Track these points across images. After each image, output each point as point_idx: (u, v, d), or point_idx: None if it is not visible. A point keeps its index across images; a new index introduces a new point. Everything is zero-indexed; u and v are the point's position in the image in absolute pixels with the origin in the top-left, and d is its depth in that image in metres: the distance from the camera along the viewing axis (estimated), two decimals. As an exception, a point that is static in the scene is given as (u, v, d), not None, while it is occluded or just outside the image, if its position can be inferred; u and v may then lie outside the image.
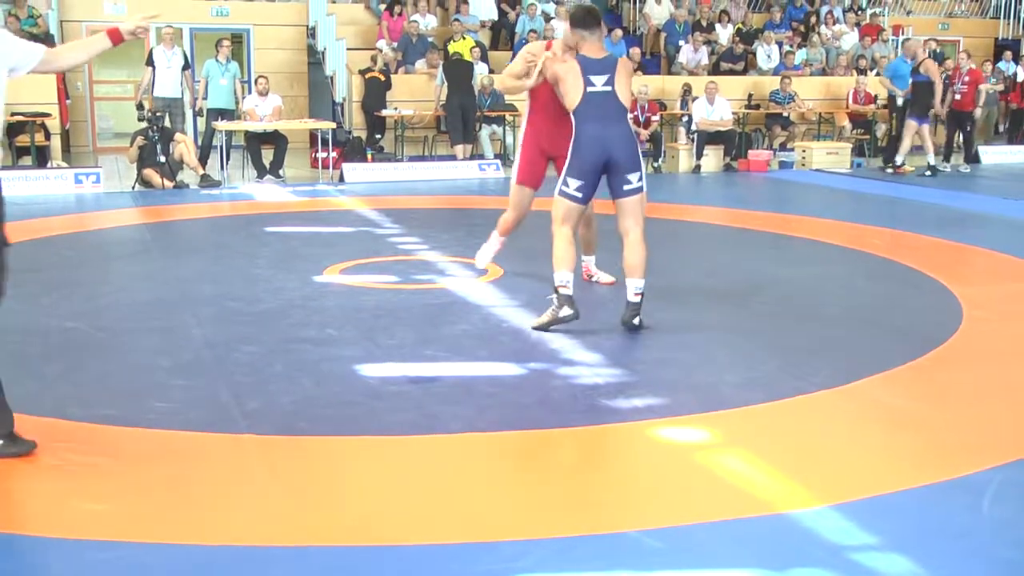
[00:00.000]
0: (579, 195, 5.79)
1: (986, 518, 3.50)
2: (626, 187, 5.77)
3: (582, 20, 5.91)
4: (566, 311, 5.72)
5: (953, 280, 7.16)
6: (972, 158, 15.52)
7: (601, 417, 4.46)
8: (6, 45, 4.03)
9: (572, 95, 5.79)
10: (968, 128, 15.40)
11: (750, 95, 17.05)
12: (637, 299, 5.74)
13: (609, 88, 5.80)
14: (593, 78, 5.78)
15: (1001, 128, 19.37)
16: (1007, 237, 9.27)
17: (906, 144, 14.55)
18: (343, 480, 3.82)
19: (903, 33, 19.60)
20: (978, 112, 15.59)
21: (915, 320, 6.23)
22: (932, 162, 14.42)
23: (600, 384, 4.92)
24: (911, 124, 14.39)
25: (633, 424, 4.38)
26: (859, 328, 6.06)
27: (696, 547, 3.28)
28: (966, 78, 15.05)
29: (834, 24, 19.16)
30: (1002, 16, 22.05)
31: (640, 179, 5.79)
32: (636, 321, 5.73)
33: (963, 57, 15.67)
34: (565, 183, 5.80)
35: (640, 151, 5.89)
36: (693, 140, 14.96)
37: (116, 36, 4.30)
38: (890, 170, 14.63)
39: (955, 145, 15.46)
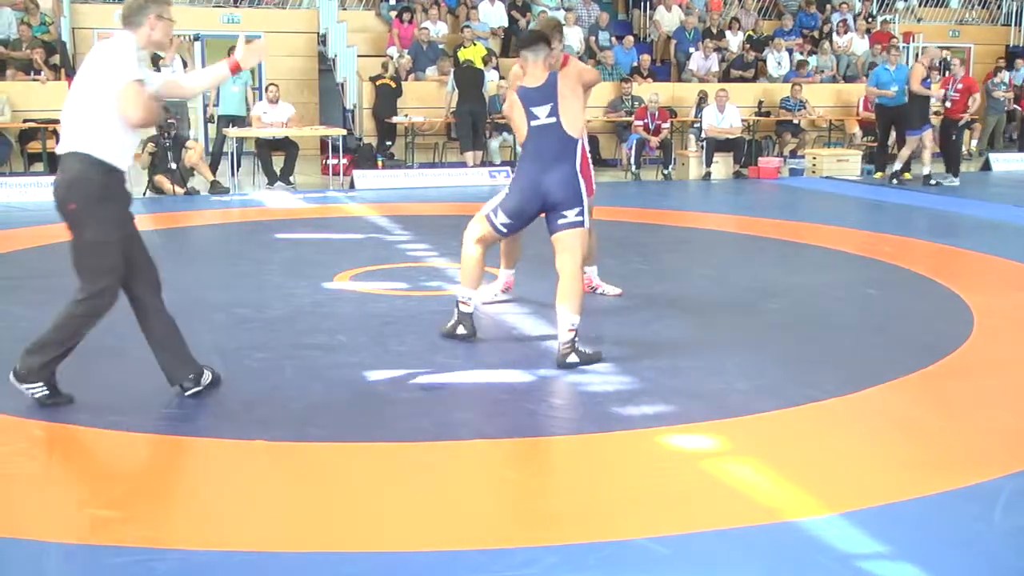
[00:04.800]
0: (504, 230, 5.57)
1: (997, 527, 3.49)
2: (560, 221, 5.34)
3: (523, 40, 5.57)
4: (461, 330, 5.54)
5: (964, 288, 7.14)
6: (957, 169, 14.56)
7: (610, 424, 4.46)
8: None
9: (520, 131, 5.46)
10: (954, 138, 14.64)
11: (760, 102, 17.04)
12: (569, 335, 5.25)
13: (553, 119, 5.33)
14: (535, 110, 5.37)
15: (1014, 136, 19.28)
16: (1019, 245, 9.24)
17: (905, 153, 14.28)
18: (353, 486, 3.83)
19: (914, 40, 19.57)
20: (966, 118, 14.85)
21: (926, 328, 6.21)
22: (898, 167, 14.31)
23: (610, 391, 4.92)
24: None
25: (642, 431, 4.37)
26: (869, 336, 6.05)
27: (704, 555, 3.28)
28: (959, 85, 14.48)
29: (846, 33, 19.14)
30: (1013, 23, 22.00)
31: (579, 214, 5.31)
32: (570, 359, 5.23)
33: (956, 64, 15.17)
34: (495, 212, 5.54)
35: (581, 187, 5.34)
36: (703, 147, 14.96)
37: (235, 68, 4.88)
38: (895, 181, 14.37)
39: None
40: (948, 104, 14.48)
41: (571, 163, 5.35)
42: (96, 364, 5.34)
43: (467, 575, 3.13)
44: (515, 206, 5.47)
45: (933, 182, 13.90)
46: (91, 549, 3.26)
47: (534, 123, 5.37)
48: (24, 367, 4.49)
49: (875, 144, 16.83)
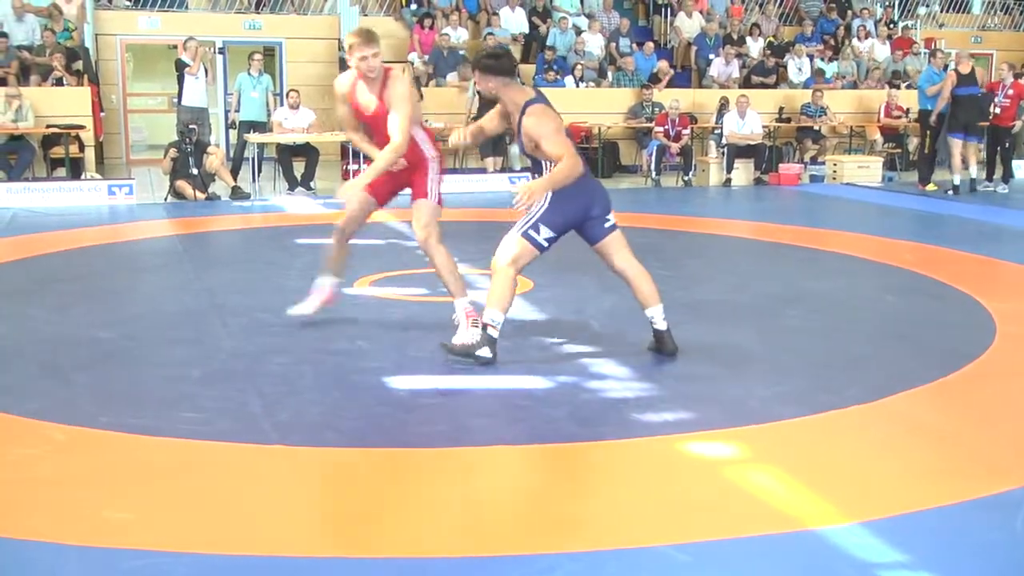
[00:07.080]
0: (546, 245, 5.35)
1: (1019, 537, 3.46)
2: (606, 226, 5.41)
3: (506, 66, 5.39)
4: (485, 352, 5.31)
5: (986, 295, 7.09)
6: (1008, 177, 14.57)
7: (630, 431, 4.45)
8: None
9: (565, 140, 5.28)
10: (1007, 145, 14.54)
11: (781, 108, 16.99)
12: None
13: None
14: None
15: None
16: (1041, 252, 9.18)
17: (956, 162, 13.90)
18: (372, 492, 3.83)
19: (935, 46, 19.47)
20: (1018, 126, 14.82)
21: (947, 335, 6.17)
22: (957, 182, 13.89)
23: (630, 398, 4.91)
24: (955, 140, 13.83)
25: (663, 438, 4.36)
26: (890, 343, 6.01)
27: (725, 562, 3.26)
28: (1010, 91, 14.20)
29: (866, 38, 19.06)
30: (1036, 29, 21.89)
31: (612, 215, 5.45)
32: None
33: (1004, 69, 14.76)
34: (536, 229, 5.29)
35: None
36: (723, 154, 14.92)
37: None
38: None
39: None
40: (997, 111, 14.21)
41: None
42: (114, 367, 5.37)
43: (486, 581, 3.13)
44: (565, 218, 5.32)
45: (946, 189, 13.82)
46: (109, 552, 3.27)
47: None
48: None
49: (896, 151, 16.77)
